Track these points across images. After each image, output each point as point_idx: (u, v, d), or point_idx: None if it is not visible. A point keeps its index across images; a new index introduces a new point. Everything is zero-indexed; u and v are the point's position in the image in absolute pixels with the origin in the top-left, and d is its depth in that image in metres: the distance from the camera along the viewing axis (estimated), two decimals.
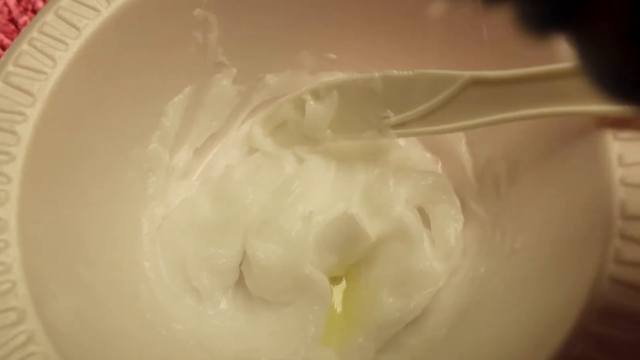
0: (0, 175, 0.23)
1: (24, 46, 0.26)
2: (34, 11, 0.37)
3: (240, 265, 0.30)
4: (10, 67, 0.25)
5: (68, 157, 0.26)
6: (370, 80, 0.29)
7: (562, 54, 0.26)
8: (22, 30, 0.27)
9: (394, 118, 0.29)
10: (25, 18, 0.37)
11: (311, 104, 0.31)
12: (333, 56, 0.33)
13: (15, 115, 0.24)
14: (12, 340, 0.21)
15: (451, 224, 0.30)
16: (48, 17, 0.26)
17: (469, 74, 0.26)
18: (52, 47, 0.26)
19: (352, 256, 0.29)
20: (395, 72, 0.28)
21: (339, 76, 0.33)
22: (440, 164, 0.33)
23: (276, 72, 0.34)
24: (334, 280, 0.30)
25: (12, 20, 0.37)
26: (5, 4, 0.37)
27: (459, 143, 0.32)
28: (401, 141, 0.33)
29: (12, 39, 0.36)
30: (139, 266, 0.29)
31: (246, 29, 0.31)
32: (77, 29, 0.26)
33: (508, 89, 0.25)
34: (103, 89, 0.27)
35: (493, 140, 0.29)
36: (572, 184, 0.24)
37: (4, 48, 0.35)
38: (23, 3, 0.37)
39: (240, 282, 0.30)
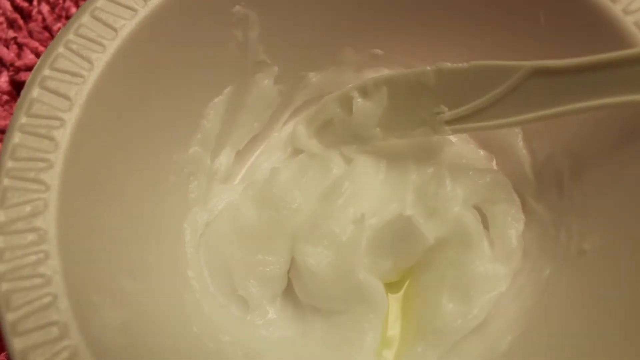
0: (38, 183, 0.22)
1: (60, 49, 0.25)
2: (68, 17, 0.36)
3: (288, 272, 0.29)
4: (46, 71, 0.24)
5: (107, 162, 0.25)
6: (422, 74, 0.27)
7: (631, 38, 0.24)
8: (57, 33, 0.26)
9: (448, 113, 0.27)
10: (59, 25, 0.36)
11: (359, 101, 0.29)
12: (379, 52, 0.32)
13: (53, 121, 0.23)
14: (55, 357, 0.19)
15: (512, 224, 0.28)
16: (84, 19, 0.25)
17: (529, 64, 0.24)
18: (89, 49, 0.25)
19: (407, 260, 0.28)
20: (448, 64, 0.26)
21: (385, 72, 0.32)
22: (494, 161, 0.31)
23: (319, 70, 0.32)
24: (388, 286, 0.28)
25: (47, 28, 0.36)
26: (39, 12, 0.36)
27: (516, 138, 0.30)
28: (453, 138, 0.31)
29: (46, 47, 0.35)
30: (183, 275, 0.27)
31: (287, 25, 0.30)
32: (114, 29, 0.25)
33: (573, 79, 0.23)
34: (141, 91, 0.26)
35: (553, 135, 0.28)
36: None
37: (38, 56, 0.35)
38: (57, 10, 0.36)
39: (288, 290, 0.29)
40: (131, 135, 0.26)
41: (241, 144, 0.32)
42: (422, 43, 0.31)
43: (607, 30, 0.24)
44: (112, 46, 0.25)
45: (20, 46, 0.35)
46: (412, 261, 0.28)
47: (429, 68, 0.27)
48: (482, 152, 0.32)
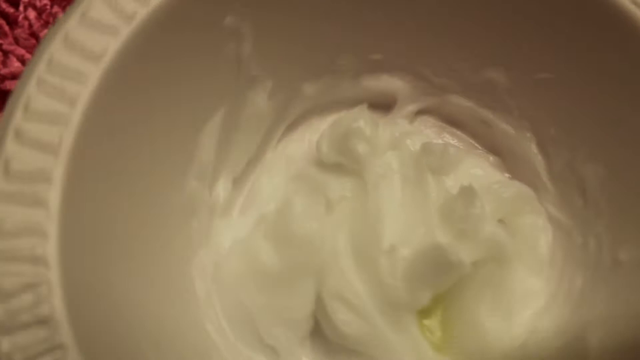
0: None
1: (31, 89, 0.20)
2: None
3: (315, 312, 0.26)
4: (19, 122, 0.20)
5: (103, 225, 0.21)
6: None
7: None
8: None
9: None
10: (46, 31, 0.34)
11: None
12: (378, 56, 0.29)
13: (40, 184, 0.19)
14: None
15: (540, 235, 0.28)
16: (54, 46, 0.21)
17: None
18: (67, 80, 0.20)
19: (444, 286, 0.26)
20: None
21: (384, 79, 0.30)
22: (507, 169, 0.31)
23: (314, 80, 0.29)
24: (423, 313, 0.27)
25: (33, 34, 0.34)
26: (26, 18, 0.33)
27: (529, 145, 0.29)
28: (459, 144, 0.31)
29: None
30: (203, 331, 0.24)
31: (281, 34, 0.26)
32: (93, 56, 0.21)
33: None
34: (129, 128, 0.22)
35: (573, 139, 0.27)
36: None
37: (24, 63, 0.33)
38: (44, 16, 0.34)
39: (316, 328, 0.27)
40: (123, 182, 0.22)
41: (238, 169, 0.29)
42: (423, 46, 0.28)
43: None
44: (93, 79, 0.21)
45: (5, 53, 0.33)
46: (447, 287, 0.26)
47: None
48: (491, 158, 0.31)
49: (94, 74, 0.21)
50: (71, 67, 0.21)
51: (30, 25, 0.33)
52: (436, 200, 0.27)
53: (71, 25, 0.21)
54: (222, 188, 0.28)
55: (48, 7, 0.34)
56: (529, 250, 0.27)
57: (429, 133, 0.31)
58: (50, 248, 0.19)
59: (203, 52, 0.24)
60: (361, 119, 0.28)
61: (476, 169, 0.29)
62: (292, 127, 0.31)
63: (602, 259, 0.25)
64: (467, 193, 0.26)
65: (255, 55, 0.26)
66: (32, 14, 0.33)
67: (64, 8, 0.33)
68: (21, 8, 0.34)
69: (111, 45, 0.21)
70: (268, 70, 0.27)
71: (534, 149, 0.29)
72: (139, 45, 0.22)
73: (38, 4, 0.34)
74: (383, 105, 0.31)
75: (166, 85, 0.23)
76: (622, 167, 0.25)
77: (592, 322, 0.25)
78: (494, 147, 0.31)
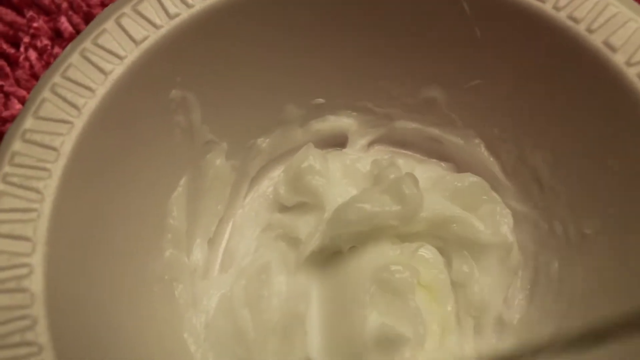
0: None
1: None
2: None
3: None
4: None
5: (84, 300, 0.22)
6: None
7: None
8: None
9: None
10: None
11: None
12: (320, 100, 0.31)
13: (19, 270, 0.20)
14: None
15: (502, 220, 0.29)
16: (17, 146, 0.22)
17: None
18: (32, 179, 0.22)
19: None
20: None
21: (332, 120, 0.31)
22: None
23: (266, 134, 0.31)
24: None
25: (34, 75, 0.33)
26: (27, 59, 0.33)
27: (479, 149, 0.30)
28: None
29: None
30: None
31: (225, 99, 0.28)
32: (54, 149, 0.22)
33: None
34: (98, 206, 0.23)
35: (518, 135, 0.28)
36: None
37: None
38: (45, 57, 0.34)
39: None
40: (102, 259, 0.23)
41: (211, 231, 0.30)
42: (361, 82, 0.30)
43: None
44: (56, 171, 0.22)
45: (7, 95, 0.33)
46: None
47: None
48: (443, 164, 0.32)
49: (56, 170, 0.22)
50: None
51: (32, 67, 0.33)
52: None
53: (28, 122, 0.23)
54: (199, 251, 0.29)
55: (49, 47, 0.34)
56: (493, 237, 0.28)
57: (383, 158, 0.32)
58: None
59: (156, 125, 0.26)
60: (309, 156, 0.30)
61: (430, 173, 0.31)
62: (255, 180, 0.32)
63: (571, 238, 0.26)
64: (411, 177, 0.27)
65: (205, 121, 0.28)
66: (33, 54, 0.33)
67: (64, 49, 0.33)
68: (22, 49, 0.34)
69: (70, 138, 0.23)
70: (220, 133, 0.29)
71: (484, 152, 0.30)
72: (94, 137, 0.23)
73: (39, 44, 0.34)
74: (338, 144, 0.33)
75: (127, 168, 0.25)
76: (564, 149, 0.27)
77: (574, 301, 0.26)
78: (446, 158, 0.32)
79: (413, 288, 0.25)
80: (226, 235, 0.31)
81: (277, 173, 0.32)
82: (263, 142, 0.31)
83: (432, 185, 0.29)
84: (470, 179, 0.29)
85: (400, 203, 0.26)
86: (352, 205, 0.27)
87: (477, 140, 0.30)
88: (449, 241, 0.28)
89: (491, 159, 0.30)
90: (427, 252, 0.28)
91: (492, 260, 0.28)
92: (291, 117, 0.31)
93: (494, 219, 0.29)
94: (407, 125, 0.32)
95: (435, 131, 0.31)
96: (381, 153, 0.33)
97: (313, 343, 0.26)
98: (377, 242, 0.27)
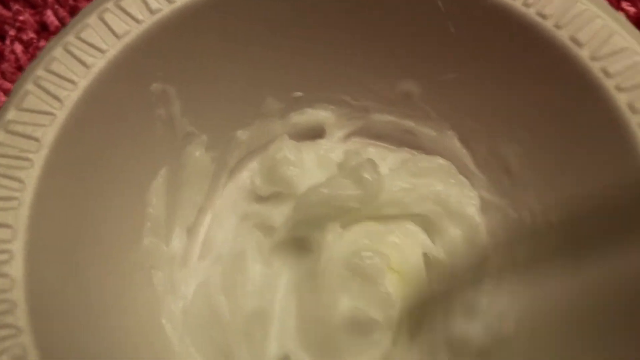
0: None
1: None
2: None
3: None
4: None
5: (65, 285, 0.23)
6: None
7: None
8: None
9: None
10: None
11: None
12: (299, 94, 0.32)
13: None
14: None
15: (469, 202, 0.30)
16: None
17: None
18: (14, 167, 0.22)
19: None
20: None
21: (310, 113, 0.32)
22: None
23: (246, 126, 0.32)
24: None
25: (20, 68, 0.34)
26: (12, 51, 0.34)
27: (452, 141, 0.31)
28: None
29: None
30: None
31: (205, 92, 0.29)
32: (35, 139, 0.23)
33: None
34: (83, 196, 0.24)
35: (493, 128, 0.29)
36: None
37: None
38: (31, 49, 0.34)
39: None
40: (83, 249, 0.24)
41: (190, 220, 0.31)
42: (339, 75, 0.31)
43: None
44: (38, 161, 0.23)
45: None
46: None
47: None
48: (416, 153, 0.33)
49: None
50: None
51: (17, 59, 0.34)
52: None
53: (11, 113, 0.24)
54: (178, 239, 0.30)
55: (35, 40, 0.34)
56: (461, 219, 0.30)
57: (354, 149, 0.33)
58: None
59: (137, 117, 0.27)
60: (284, 147, 0.31)
61: (400, 159, 0.32)
62: (234, 171, 0.33)
63: (538, 227, 0.27)
64: (370, 162, 0.29)
65: (186, 114, 0.29)
66: (18, 47, 0.34)
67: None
68: (7, 42, 0.34)
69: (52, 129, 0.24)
70: (200, 125, 0.30)
71: (457, 144, 0.31)
72: (76, 129, 0.24)
73: (25, 37, 0.34)
74: (316, 136, 0.33)
75: (109, 158, 0.26)
76: (533, 140, 0.28)
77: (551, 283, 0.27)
78: (419, 149, 0.33)
79: (383, 273, 0.26)
80: (205, 225, 0.32)
81: (255, 164, 0.33)
82: (243, 135, 0.32)
83: (400, 163, 0.31)
84: (438, 161, 0.31)
85: (361, 186, 0.28)
86: (314, 189, 0.28)
87: (450, 132, 0.31)
88: (425, 217, 0.30)
89: (464, 150, 0.31)
90: (401, 235, 0.29)
91: (458, 233, 0.30)
92: (270, 110, 0.32)
93: (461, 201, 0.30)
94: (383, 118, 0.32)
95: (410, 123, 0.32)
96: (357, 145, 0.33)
97: (285, 327, 0.27)
98: (350, 228, 0.28)
